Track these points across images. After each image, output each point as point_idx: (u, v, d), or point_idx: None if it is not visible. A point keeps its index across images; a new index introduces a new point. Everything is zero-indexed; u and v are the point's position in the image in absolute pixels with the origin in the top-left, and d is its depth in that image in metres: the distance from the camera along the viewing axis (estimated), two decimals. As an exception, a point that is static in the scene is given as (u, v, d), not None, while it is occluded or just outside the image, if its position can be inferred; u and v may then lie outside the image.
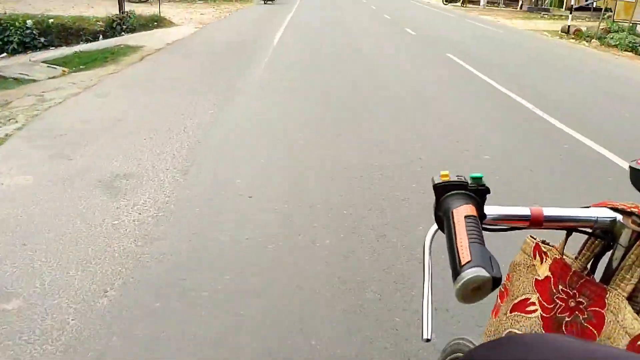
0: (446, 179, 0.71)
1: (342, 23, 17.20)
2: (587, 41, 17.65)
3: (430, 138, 5.16)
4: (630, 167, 0.78)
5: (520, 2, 45.72)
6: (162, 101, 6.22)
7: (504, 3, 41.99)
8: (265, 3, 24.40)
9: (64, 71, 9.26)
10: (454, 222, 0.66)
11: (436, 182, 0.72)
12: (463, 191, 0.71)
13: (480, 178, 0.72)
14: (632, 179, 0.78)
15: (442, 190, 0.71)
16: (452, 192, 0.71)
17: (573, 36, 18.64)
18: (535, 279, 0.84)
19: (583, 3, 36.36)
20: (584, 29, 19.70)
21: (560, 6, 39.85)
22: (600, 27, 19.13)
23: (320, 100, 6.56)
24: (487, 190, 0.72)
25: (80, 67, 9.41)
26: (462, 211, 0.67)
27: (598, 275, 0.78)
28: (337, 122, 5.60)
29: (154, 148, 4.56)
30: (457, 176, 0.72)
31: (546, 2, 39.87)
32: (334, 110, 6.07)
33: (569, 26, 19.20)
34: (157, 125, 5.26)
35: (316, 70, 8.55)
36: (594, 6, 32.68)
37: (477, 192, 0.71)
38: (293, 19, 17.38)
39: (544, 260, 0.83)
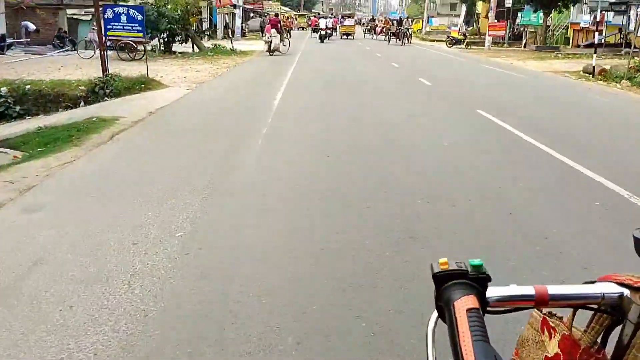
0: (445, 267, 0.69)
1: (349, 74, 15.65)
2: (616, 82, 16.04)
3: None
4: (634, 236, 0.75)
5: (523, 42, 44.86)
6: (114, 218, 4.39)
7: (507, 43, 41.00)
8: (271, 55, 22.99)
9: (15, 157, 7.55)
10: (455, 317, 0.64)
11: (435, 271, 0.69)
12: (464, 280, 0.68)
13: (481, 266, 0.69)
14: (637, 248, 0.76)
15: (442, 280, 0.69)
16: (453, 281, 0.68)
17: (599, 77, 17.02)
18: (545, 355, 0.80)
19: (592, 40, 35.11)
20: (607, 67, 18.11)
21: (567, 44, 38.68)
22: (629, 66, 17.52)
23: (336, 205, 4.73)
24: (489, 278, 0.69)
25: (38, 149, 7.71)
26: (463, 304, 0.65)
27: (610, 347, 0.74)
28: (362, 243, 3.75)
29: (66, 337, 2.69)
30: (457, 263, 0.69)
31: (554, 39, 38.74)
32: (356, 219, 4.23)
33: (593, 66, 17.56)
34: (90, 272, 3.42)
35: (324, 146, 6.78)
36: (604, 42, 31.34)
37: (478, 281, 0.69)
38: (295, 72, 15.87)
39: (553, 336, 0.80)
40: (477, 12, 56.53)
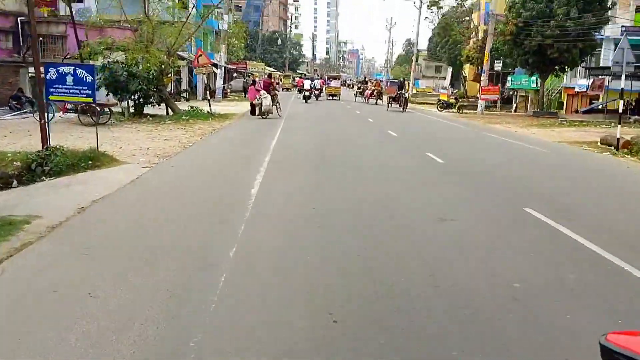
0: None
1: (343, 147, 13.36)
2: (649, 157, 14.06)
3: None
4: (600, 344, 0.82)
5: (514, 106, 43.91)
6: None
7: (497, 107, 39.92)
8: (263, 118, 21.01)
9: None
10: None
11: None
12: None
13: None
14: (602, 356, 0.82)
15: None
16: None
17: (625, 151, 15.02)
18: None
19: (589, 106, 33.91)
20: (627, 138, 16.17)
21: (560, 108, 37.53)
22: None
23: None
24: None
25: None
26: None
27: None
28: None
29: None
30: None
31: (549, 103, 37.56)
32: None
33: (618, 138, 15.55)
34: None
35: (326, 292, 4.23)
36: (605, 108, 30.01)
37: None
38: (279, 144, 13.55)
39: None
40: (463, 74, 56.07)
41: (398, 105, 30.13)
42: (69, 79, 10.12)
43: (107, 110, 18.74)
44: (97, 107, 17.98)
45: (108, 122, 18.35)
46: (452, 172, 9.99)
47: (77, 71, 10.11)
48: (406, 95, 31.88)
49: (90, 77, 10.16)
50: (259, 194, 7.49)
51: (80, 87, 10.22)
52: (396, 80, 66.45)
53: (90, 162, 10.37)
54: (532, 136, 19.13)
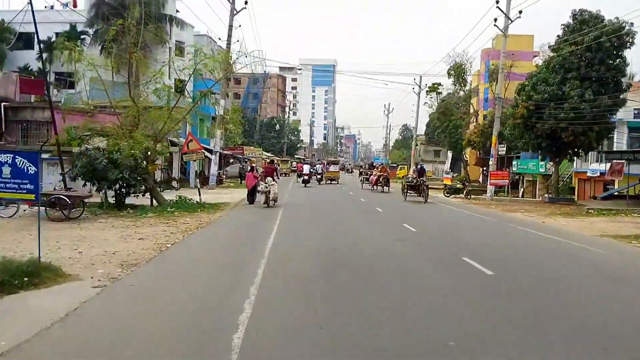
0: None
1: (356, 255, 10.85)
2: None
3: None
4: None
5: (520, 191, 42.04)
6: None
7: (505, 192, 37.97)
8: (269, 206, 19.96)
9: None
10: None
11: None
12: None
13: None
14: None
15: None
16: None
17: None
18: None
19: (604, 192, 31.93)
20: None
21: (571, 193, 35.55)
22: None
23: None
24: None
25: None
26: None
27: None
28: None
29: None
30: None
31: (560, 187, 35.57)
32: None
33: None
34: None
35: None
36: (627, 194, 27.97)
37: None
38: (276, 246, 11.13)
39: None
40: (465, 158, 54.87)
41: (418, 194, 25.56)
42: (5, 170, 7.86)
43: (80, 202, 16.41)
44: (67, 200, 15.84)
45: (80, 217, 15.98)
46: (516, 296, 7.32)
47: (16, 160, 7.86)
48: (427, 183, 26.50)
49: (34, 168, 7.90)
50: (244, 346, 4.89)
51: (20, 181, 7.93)
52: (395, 165, 64.71)
53: (27, 278, 7.81)
54: (564, 228, 16.77)
